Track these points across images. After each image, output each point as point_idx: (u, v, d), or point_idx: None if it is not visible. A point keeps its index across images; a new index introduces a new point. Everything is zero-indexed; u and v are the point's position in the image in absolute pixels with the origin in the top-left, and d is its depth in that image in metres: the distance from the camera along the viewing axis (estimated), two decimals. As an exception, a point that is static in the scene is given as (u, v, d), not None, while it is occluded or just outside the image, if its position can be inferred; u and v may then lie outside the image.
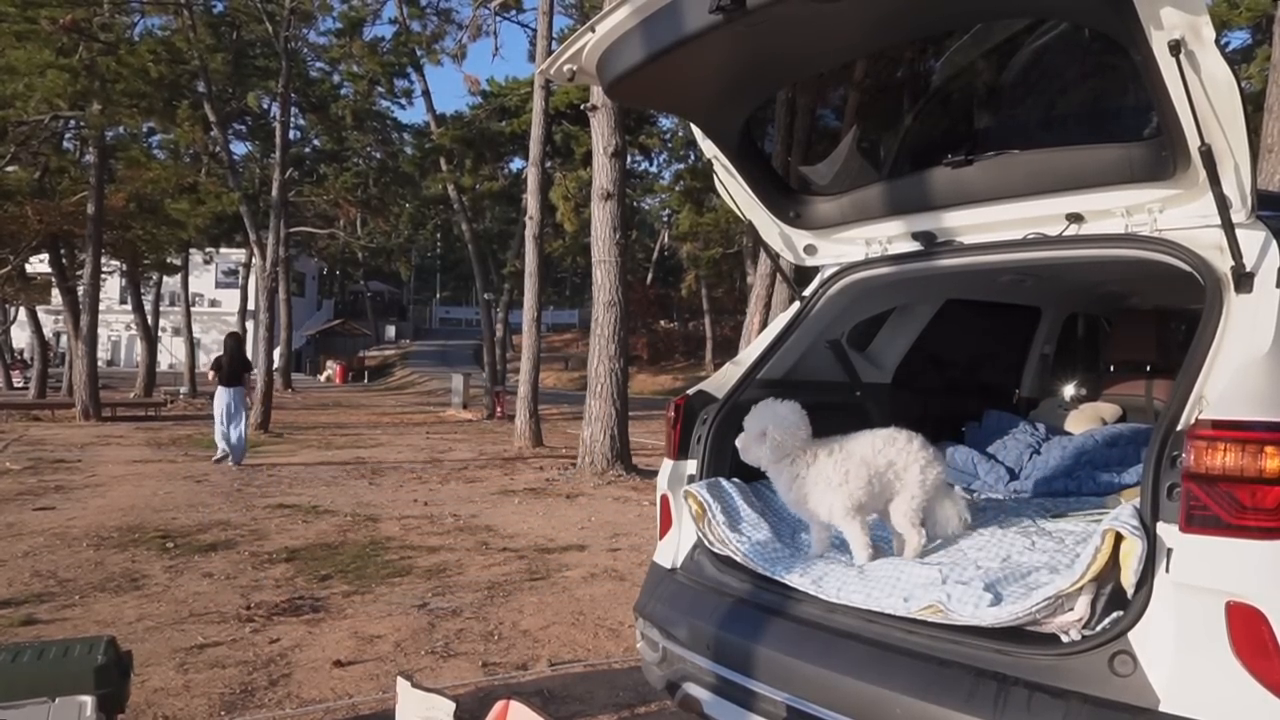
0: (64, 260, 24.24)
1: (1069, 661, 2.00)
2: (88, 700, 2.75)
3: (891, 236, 3.10)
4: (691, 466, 3.11)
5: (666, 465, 3.17)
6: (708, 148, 3.15)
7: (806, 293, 3.39)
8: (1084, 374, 4.64)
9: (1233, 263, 2.18)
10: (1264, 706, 1.76)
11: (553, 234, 30.45)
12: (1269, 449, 1.80)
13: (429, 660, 4.38)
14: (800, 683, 2.37)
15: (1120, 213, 2.53)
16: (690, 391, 3.24)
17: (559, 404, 25.55)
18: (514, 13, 25.79)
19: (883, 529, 2.94)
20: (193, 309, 36.79)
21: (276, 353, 25.68)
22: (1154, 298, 4.44)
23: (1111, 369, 4.51)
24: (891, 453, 2.79)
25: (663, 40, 2.47)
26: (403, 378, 45.54)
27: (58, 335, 40.81)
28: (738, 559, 2.81)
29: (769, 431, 2.74)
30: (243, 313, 34.35)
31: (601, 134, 11.80)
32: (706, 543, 2.94)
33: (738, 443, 2.86)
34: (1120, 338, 4.54)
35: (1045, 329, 4.69)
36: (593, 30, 2.65)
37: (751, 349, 3.39)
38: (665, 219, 46.47)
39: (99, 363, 22.72)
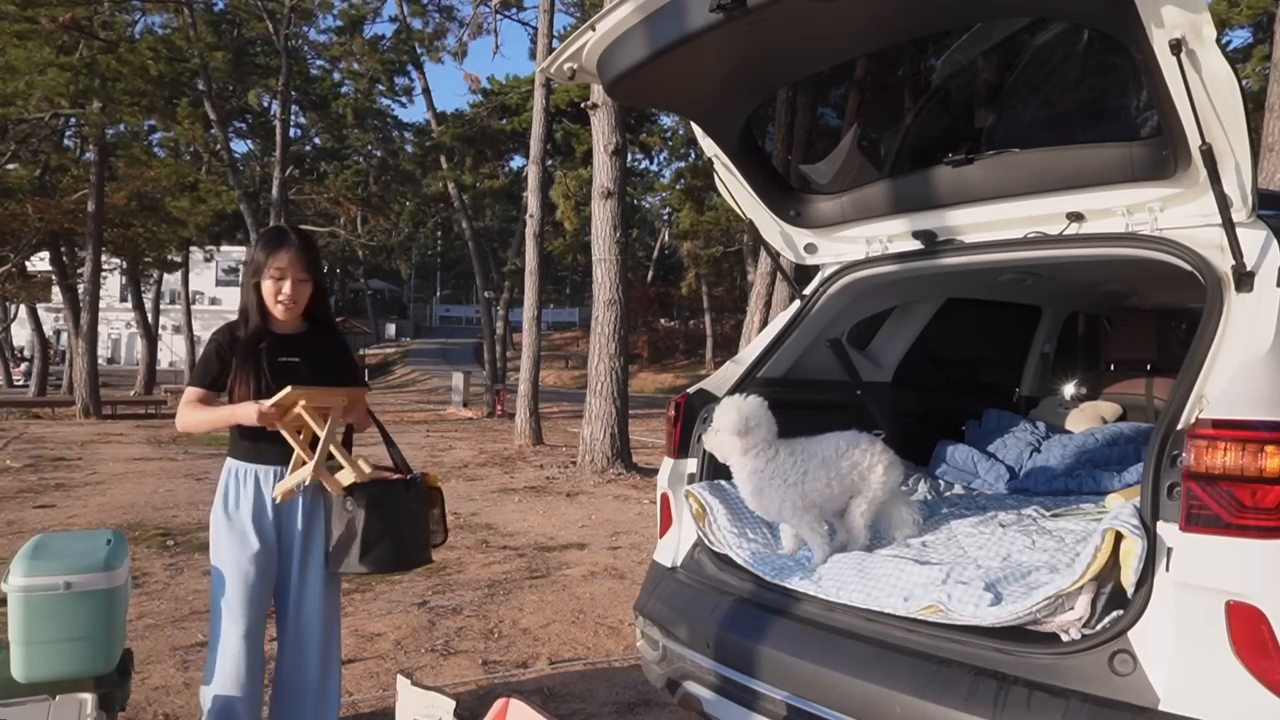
0: (64, 258, 24.27)
1: (1069, 660, 2.00)
2: (88, 698, 2.75)
3: (892, 235, 3.10)
4: (692, 465, 3.11)
5: (667, 464, 3.17)
6: (708, 146, 3.15)
7: (807, 291, 3.39)
8: (1084, 373, 4.65)
9: (1233, 262, 2.18)
10: (1264, 706, 1.76)
11: (553, 232, 30.48)
12: (1269, 448, 1.80)
13: (429, 658, 4.38)
14: (800, 681, 2.37)
15: (1121, 212, 2.53)
16: (691, 390, 3.24)
17: (559, 402, 25.55)
18: (515, 10, 25.85)
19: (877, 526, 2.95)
20: (193, 307, 36.87)
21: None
22: (1154, 297, 4.44)
23: (1112, 368, 4.51)
24: (856, 454, 2.85)
25: (663, 39, 2.47)
26: (403, 376, 45.53)
27: (58, 333, 40.85)
28: (738, 562, 2.81)
29: (742, 425, 2.75)
30: (243, 311, 34.33)
31: (602, 132, 11.79)
32: (707, 542, 2.94)
33: (706, 439, 2.85)
34: (1120, 336, 4.54)
35: (1045, 328, 4.70)
36: (593, 29, 2.64)
37: (752, 347, 3.39)
38: (666, 217, 46.52)
39: (99, 360, 22.75)
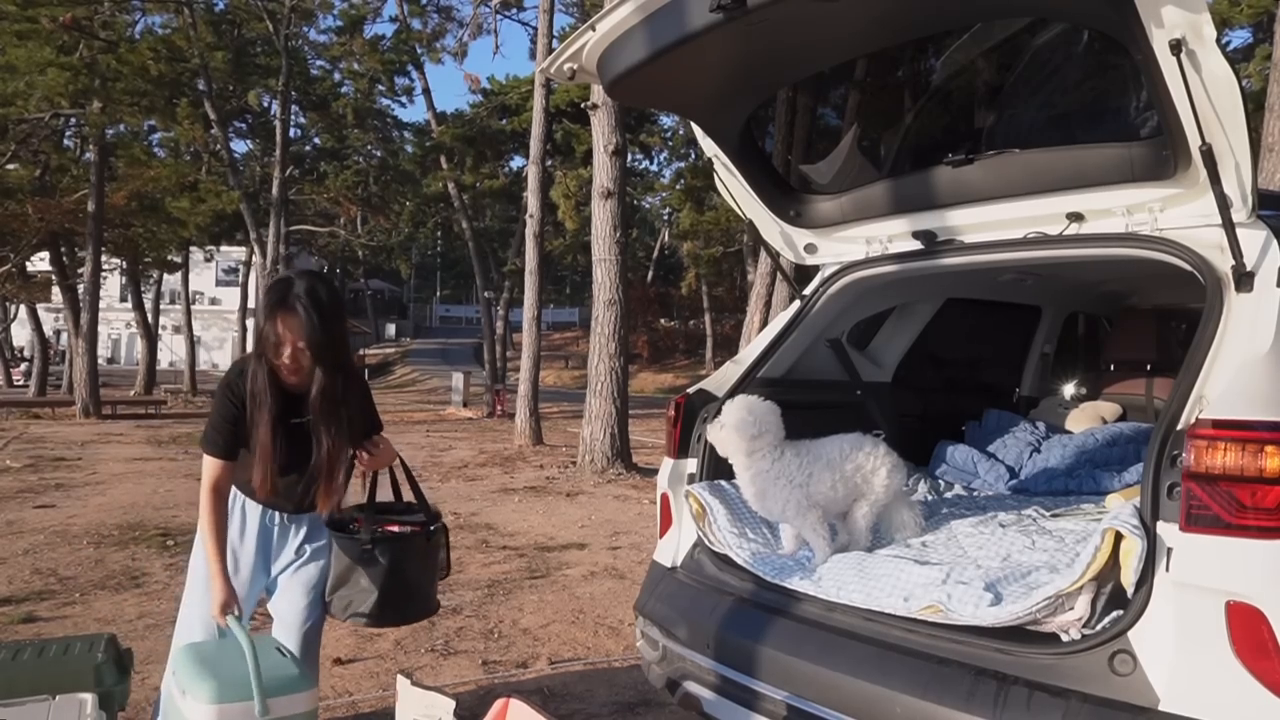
0: (64, 258, 24.26)
1: (1069, 660, 2.00)
2: (88, 698, 2.75)
3: (892, 235, 3.10)
4: (692, 465, 3.11)
5: (667, 464, 3.18)
6: (708, 146, 3.15)
7: (807, 291, 3.39)
8: (1084, 373, 4.65)
9: (1233, 262, 2.18)
10: (1264, 706, 1.76)
11: (553, 232, 30.48)
12: (1269, 448, 1.80)
13: (429, 658, 4.38)
14: (800, 681, 2.37)
15: (1121, 212, 2.53)
16: (691, 390, 3.24)
17: (559, 402, 25.54)
18: (515, 11, 25.84)
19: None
20: (193, 307, 36.86)
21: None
22: (1154, 297, 4.44)
23: (1112, 368, 4.51)
24: (859, 457, 2.86)
25: (663, 39, 2.47)
26: (403, 376, 45.52)
27: (58, 333, 40.82)
28: (738, 562, 2.81)
29: (753, 427, 2.75)
30: (243, 311, 34.34)
31: (602, 132, 11.79)
32: (707, 542, 2.94)
33: (709, 431, 2.86)
34: (1120, 336, 4.54)
35: (1045, 328, 4.70)
36: (593, 29, 2.65)
37: (752, 348, 3.39)
38: (666, 217, 46.54)
39: (99, 360, 22.73)
